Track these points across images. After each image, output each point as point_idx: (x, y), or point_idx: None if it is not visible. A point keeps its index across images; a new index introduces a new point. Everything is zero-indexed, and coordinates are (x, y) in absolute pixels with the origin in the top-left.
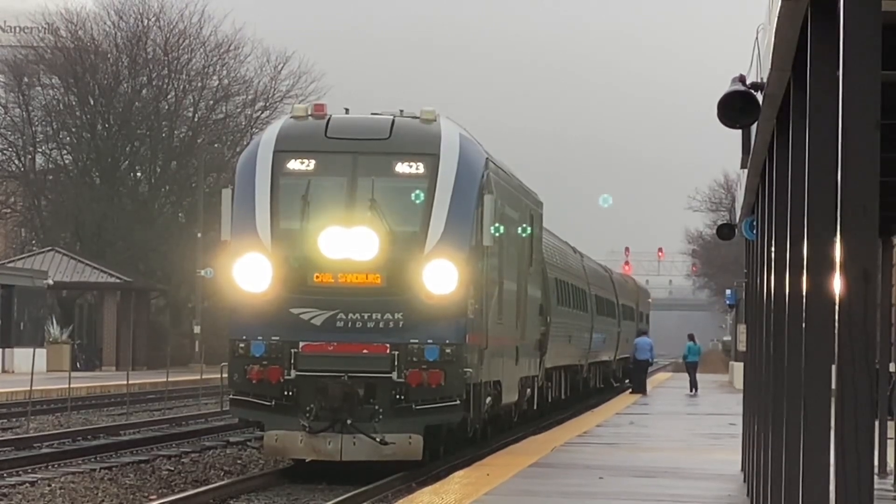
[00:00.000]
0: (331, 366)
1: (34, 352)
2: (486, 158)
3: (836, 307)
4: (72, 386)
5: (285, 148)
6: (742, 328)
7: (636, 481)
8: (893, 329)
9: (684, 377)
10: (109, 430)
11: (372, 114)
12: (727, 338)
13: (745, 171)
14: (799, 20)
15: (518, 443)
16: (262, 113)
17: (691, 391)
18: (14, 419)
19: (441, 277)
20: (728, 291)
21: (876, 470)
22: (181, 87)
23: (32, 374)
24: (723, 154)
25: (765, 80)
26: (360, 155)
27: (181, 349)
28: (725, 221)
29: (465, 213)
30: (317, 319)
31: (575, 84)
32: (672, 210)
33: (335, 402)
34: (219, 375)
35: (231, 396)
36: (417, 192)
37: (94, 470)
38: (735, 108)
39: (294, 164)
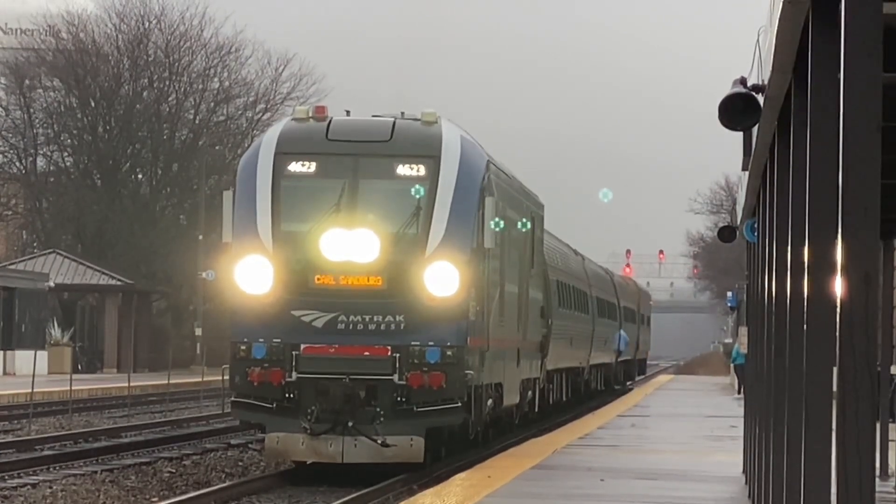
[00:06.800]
0: (332, 368)
1: (35, 354)
2: (488, 160)
3: (838, 310)
4: (73, 388)
5: (286, 150)
6: (743, 330)
7: (638, 483)
8: (895, 331)
9: (685, 379)
10: (111, 433)
11: (373, 116)
12: (728, 340)
13: (746, 173)
14: (800, 22)
15: (519, 445)
16: (264, 115)
17: (739, 393)
18: (15, 421)
19: (442, 279)
20: (729, 294)
21: (877, 472)
22: (182, 89)
23: (34, 376)
24: (724, 156)
25: (766, 82)
26: (362, 157)
27: (182, 351)
28: (726, 224)
29: (466, 216)
30: (318, 321)
31: (575, 85)
32: (673, 212)
33: (336, 405)
34: (220, 377)
35: (232, 398)
36: (419, 194)
37: (96, 472)
38: (736, 110)
39: (295, 167)
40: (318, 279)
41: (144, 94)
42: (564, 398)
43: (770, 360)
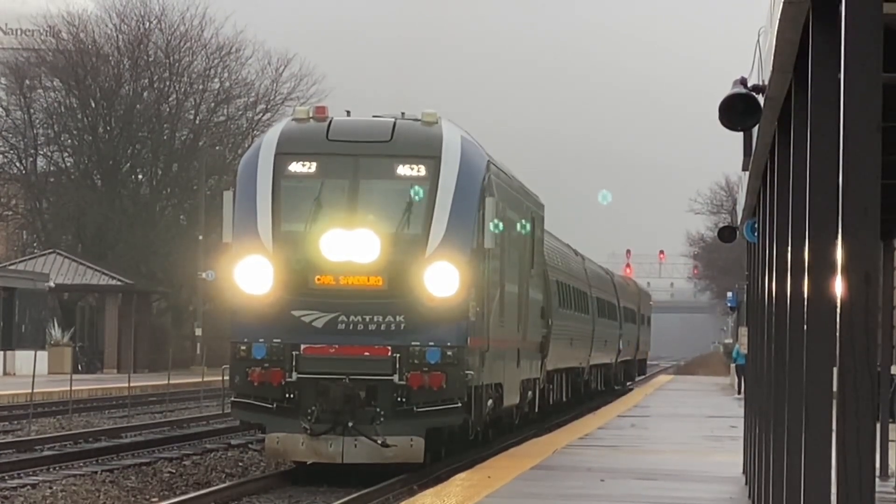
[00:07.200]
0: (332, 368)
1: (35, 354)
2: (488, 161)
3: (838, 310)
4: (73, 388)
5: (287, 150)
6: (743, 331)
7: (638, 484)
8: (895, 331)
9: (685, 379)
10: (111, 433)
11: (373, 116)
12: (728, 340)
13: (747, 173)
14: (800, 22)
15: (519, 445)
16: (264, 115)
17: (739, 393)
18: (16, 422)
19: (442, 280)
20: (729, 294)
21: (877, 473)
22: (182, 89)
23: (34, 376)
24: (724, 156)
25: (766, 83)
26: (362, 157)
27: (182, 351)
28: (727, 224)
29: (466, 216)
30: (318, 322)
31: (575, 85)
32: (673, 212)
33: (336, 405)
34: (220, 378)
35: (232, 399)
36: (419, 194)
37: (96, 472)
38: (736, 110)
39: (296, 167)
40: (319, 279)
41: (145, 94)
42: (564, 398)
43: (770, 361)
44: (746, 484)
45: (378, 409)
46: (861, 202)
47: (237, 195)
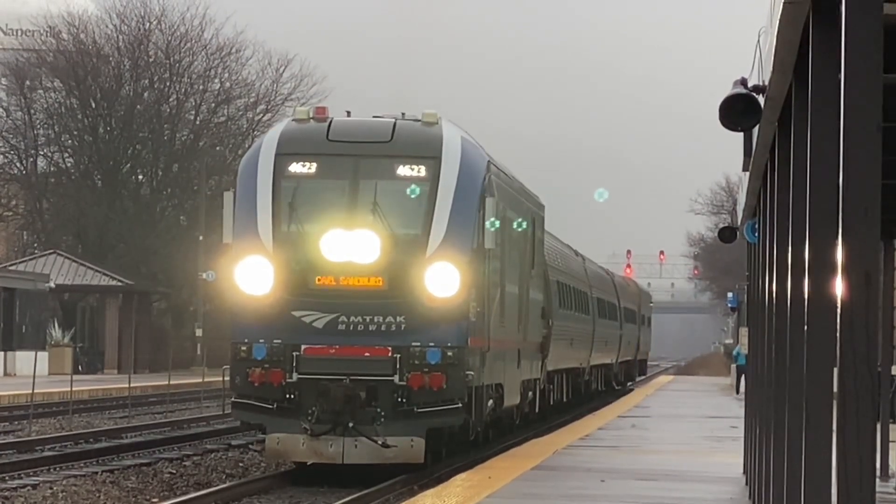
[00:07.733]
0: (332, 369)
1: (36, 355)
2: (488, 161)
3: (838, 310)
4: (74, 389)
5: (287, 151)
6: (744, 331)
7: (638, 484)
8: (895, 332)
9: (686, 380)
10: (111, 433)
11: (374, 117)
12: (729, 341)
13: (747, 173)
14: (800, 23)
15: (520, 446)
16: (264, 116)
17: (738, 392)
18: (16, 422)
19: (443, 280)
20: (730, 294)
21: (878, 473)
22: (183, 90)
23: (34, 377)
24: (724, 157)
25: (766, 83)
26: (362, 158)
27: (183, 352)
28: (727, 224)
29: (466, 216)
30: (318, 322)
31: (575, 86)
32: (674, 213)
33: (337, 405)
34: (220, 378)
35: (233, 399)
36: (419, 194)
37: (96, 473)
38: (737, 110)
39: (296, 167)
40: (319, 280)
41: (145, 94)
42: (565, 399)
43: (770, 361)
44: (747, 484)
45: (378, 410)
46: (861, 202)
47: (237, 196)
